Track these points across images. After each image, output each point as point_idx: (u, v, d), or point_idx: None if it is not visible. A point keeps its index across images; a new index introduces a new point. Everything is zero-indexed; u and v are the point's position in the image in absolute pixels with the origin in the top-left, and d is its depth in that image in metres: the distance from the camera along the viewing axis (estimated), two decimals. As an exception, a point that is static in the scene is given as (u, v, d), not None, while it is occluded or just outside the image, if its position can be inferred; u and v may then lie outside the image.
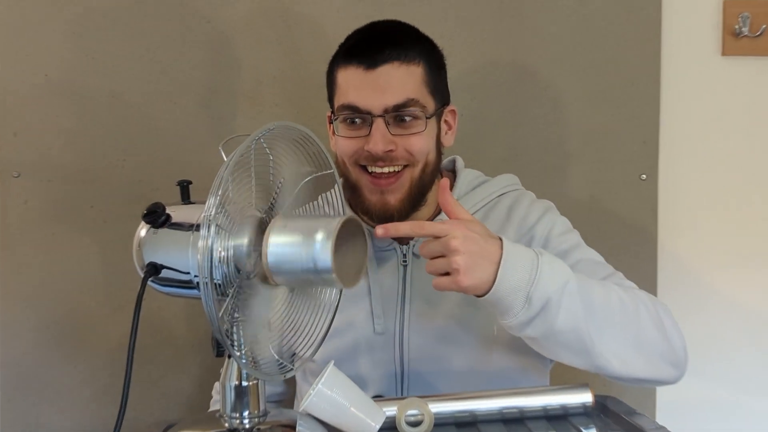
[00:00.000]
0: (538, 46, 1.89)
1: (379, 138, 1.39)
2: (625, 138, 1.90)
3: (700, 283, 1.92)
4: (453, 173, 1.59)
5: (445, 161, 1.61)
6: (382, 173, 1.42)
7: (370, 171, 1.42)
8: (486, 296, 1.22)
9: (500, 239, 1.24)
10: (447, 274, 1.21)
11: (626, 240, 1.90)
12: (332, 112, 1.47)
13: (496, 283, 1.21)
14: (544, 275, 1.22)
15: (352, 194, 1.47)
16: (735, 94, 1.90)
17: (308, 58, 1.88)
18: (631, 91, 1.89)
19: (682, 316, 1.86)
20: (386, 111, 1.40)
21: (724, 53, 1.88)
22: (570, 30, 1.88)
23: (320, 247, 1.05)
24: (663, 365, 1.33)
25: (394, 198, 1.44)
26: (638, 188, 1.89)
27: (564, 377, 1.56)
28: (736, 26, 1.86)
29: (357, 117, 1.41)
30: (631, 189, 1.89)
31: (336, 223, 1.06)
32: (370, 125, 1.40)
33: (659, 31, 1.88)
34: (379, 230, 1.23)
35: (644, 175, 1.89)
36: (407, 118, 1.41)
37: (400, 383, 1.49)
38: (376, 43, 1.42)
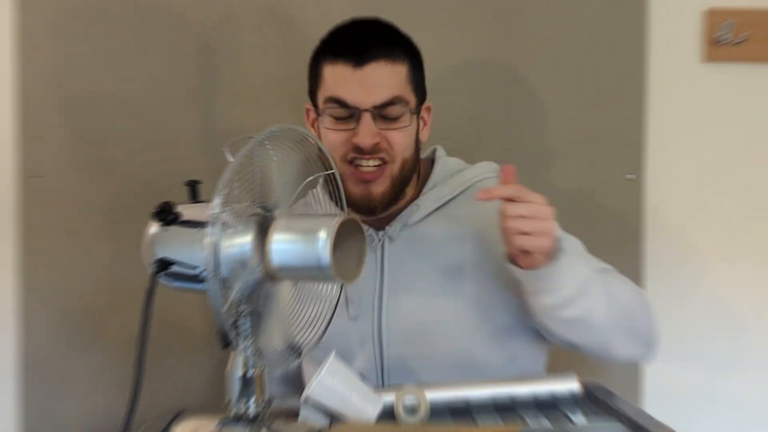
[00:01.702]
0: (531, 52, 1.89)
1: (368, 132, 1.38)
2: (611, 140, 1.89)
3: (685, 278, 1.92)
4: (431, 162, 1.57)
5: (427, 151, 1.61)
6: (368, 166, 1.41)
7: (356, 165, 1.41)
8: (542, 268, 1.28)
9: None
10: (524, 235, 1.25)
11: (613, 238, 1.90)
12: (313, 105, 1.46)
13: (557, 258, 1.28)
14: (574, 264, 1.31)
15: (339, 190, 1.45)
16: (717, 98, 1.90)
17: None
18: (618, 95, 1.89)
19: (667, 310, 1.89)
20: (374, 108, 1.39)
21: (706, 60, 1.88)
22: (560, 37, 1.89)
23: (321, 245, 1.04)
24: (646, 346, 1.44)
25: (377, 190, 1.43)
26: (625, 188, 1.89)
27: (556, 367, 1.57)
28: (719, 34, 1.86)
29: (345, 111, 1.39)
30: (617, 188, 1.89)
31: (335, 223, 1.06)
32: (357, 120, 1.39)
33: (645, 38, 1.88)
34: (482, 194, 1.26)
35: (631, 175, 1.89)
36: (393, 115, 1.40)
37: (380, 372, 1.48)
38: (364, 41, 1.41)
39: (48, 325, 1.89)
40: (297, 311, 1.20)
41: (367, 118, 1.39)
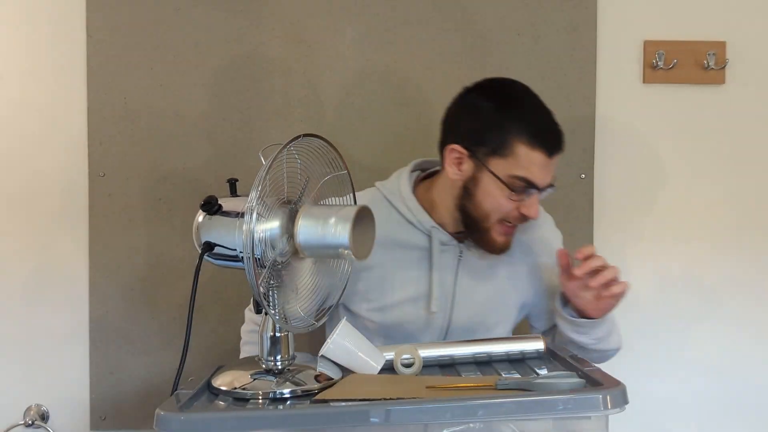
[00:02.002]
0: (503, 75, 1.88)
1: (537, 207, 1.38)
2: (568, 147, 1.83)
3: (625, 255, 1.91)
4: None
5: None
6: (512, 225, 1.41)
7: (505, 223, 1.40)
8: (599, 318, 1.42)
9: None
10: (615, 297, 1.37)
11: (570, 224, 1.86)
12: (474, 156, 1.37)
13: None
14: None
15: (476, 232, 1.42)
16: (653, 112, 1.90)
17: (325, 84, 1.87)
18: (573, 111, 1.87)
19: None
20: (544, 187, 1.38)
21: (644, 81, 1.88)
22: (526, 64, 1.87)
23: (341, 228, 1.05)
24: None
25: (510, 239, 1.43)
26: (579, 185, 1.89)
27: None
28: (654, 61, 1.86)
29: (530, 189, 1.36)
30: (573, 185, 1.88)
31: (353, 210, 1.06)
32: (528, 193, 1.36)
33: (595, 64, 1.88)
34: (579, 271, 1.36)
35: (583, 175, 1.88)
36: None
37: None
38: (557, 136, 1.37)
39: (111, 295, 1.88)
40: (317, 286, 1.20)
41: (538, 196, 1.37)
